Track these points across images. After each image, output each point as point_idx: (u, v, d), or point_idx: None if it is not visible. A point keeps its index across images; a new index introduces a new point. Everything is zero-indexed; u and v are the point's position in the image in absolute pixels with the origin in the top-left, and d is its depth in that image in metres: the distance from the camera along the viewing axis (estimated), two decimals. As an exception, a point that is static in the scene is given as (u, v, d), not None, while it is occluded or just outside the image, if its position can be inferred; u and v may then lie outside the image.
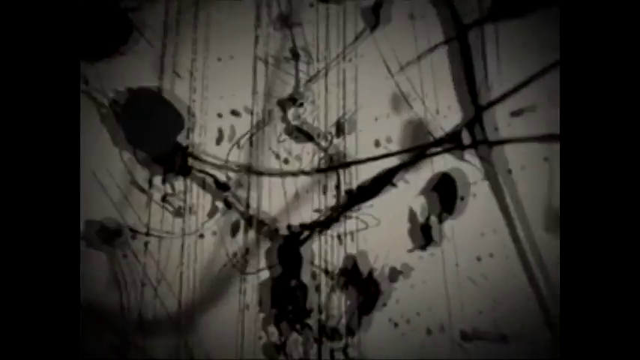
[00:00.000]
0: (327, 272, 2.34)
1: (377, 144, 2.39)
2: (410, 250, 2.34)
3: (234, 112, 2.34)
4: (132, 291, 2.22)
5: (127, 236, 2.21)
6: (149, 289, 2.23)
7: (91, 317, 2.17)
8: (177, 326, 2.23)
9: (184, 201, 2.28)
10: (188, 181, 2.28)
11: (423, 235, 2.35)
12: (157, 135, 2.27)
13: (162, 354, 2.22)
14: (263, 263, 2.32)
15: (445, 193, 2.34)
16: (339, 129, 2.39)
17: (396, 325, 2.32)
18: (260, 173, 2.34)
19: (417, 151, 2.37)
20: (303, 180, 2.37)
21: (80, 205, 2.05)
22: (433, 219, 2.34)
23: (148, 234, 2.23)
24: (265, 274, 2.32)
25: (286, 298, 2.31)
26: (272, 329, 2.30)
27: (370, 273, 2.35)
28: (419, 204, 2.36)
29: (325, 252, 2.35)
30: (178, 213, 2.27)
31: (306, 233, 2.34)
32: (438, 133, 2.36)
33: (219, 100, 2.34)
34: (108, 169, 2.22)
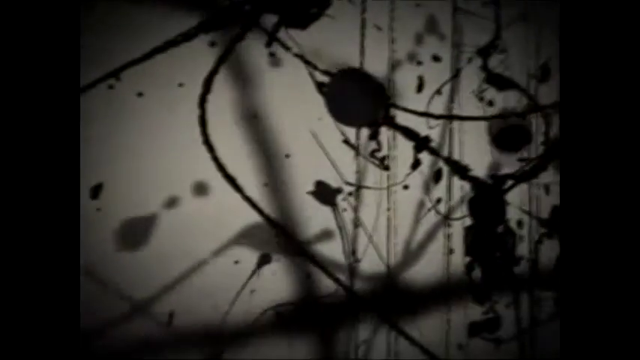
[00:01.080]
0: (537, 220, 2.33)
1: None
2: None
3: (435, 58, 2.34)
4: (348, 240, 2.35)
5: (344, 192, 2.33)
6: (362, 237, 2.35)
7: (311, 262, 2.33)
8: (387, 271, 2.34)
9: (388, 153, 2.34)
10: (391, 132, 2.33)
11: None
12: (362, 109, 2.33)
13: (371, 294, 2.35)
14: (466, 210, 2.35)
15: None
16: (545, 73, 2.32)
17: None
18: (463, 119, 2.33)
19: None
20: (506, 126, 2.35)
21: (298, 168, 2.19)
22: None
23: (359, 187, 2.33)
24: (469, 221, 2.35)
25: (492, 244, 2.33)
26: (477, 274, 2.34)
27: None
28: None
29: (532, 201, 2.33)
30: (384, 165, 2.34)
31: (510, 182, 2.33)
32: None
33: (418, 47, 2.34)
34: (313, 132, 2.32)
